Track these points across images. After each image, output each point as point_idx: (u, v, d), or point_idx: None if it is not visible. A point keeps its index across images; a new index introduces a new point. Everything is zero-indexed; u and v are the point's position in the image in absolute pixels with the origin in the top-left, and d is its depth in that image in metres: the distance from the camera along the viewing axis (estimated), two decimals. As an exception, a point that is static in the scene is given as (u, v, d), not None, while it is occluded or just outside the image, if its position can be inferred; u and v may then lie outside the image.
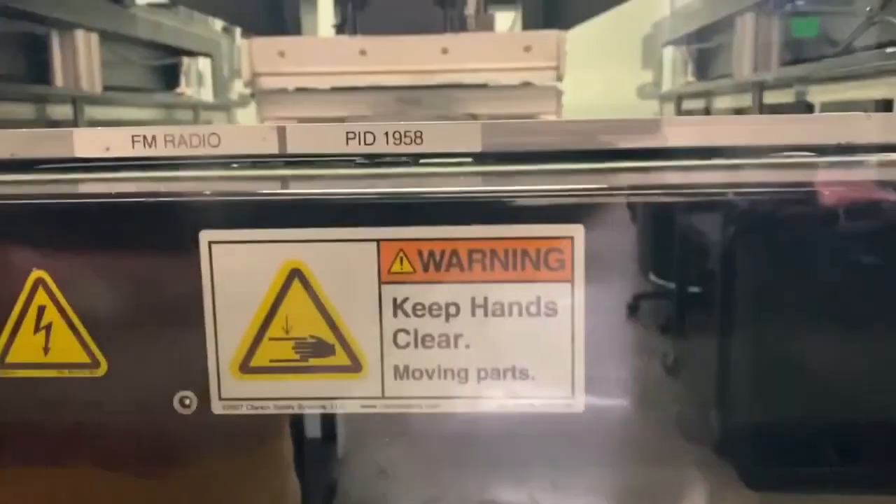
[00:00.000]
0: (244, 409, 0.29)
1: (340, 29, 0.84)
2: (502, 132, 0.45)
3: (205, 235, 0.28)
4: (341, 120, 0.77)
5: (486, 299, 0.29)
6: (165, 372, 0.29)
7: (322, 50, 0.77)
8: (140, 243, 0.29)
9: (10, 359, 0.29)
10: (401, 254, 0.29)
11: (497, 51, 0.76)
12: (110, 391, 0.29)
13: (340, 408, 0.29)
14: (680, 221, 0.29)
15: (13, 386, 0.29)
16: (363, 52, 0.75)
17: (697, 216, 0.29)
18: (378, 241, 0.28)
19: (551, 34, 0.76)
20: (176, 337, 0.29)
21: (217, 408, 0.29)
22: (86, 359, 0.29)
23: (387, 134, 0.45)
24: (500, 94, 0.78)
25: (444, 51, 0.75)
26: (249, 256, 0.29)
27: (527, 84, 0.77)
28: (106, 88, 1.03)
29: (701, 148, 0.43)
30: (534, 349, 0.29)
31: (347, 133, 0.45)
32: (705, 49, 1.41)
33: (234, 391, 0.29)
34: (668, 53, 1.63)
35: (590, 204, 0.28)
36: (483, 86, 0.78)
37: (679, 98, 1.53)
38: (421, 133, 0.45)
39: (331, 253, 0.29)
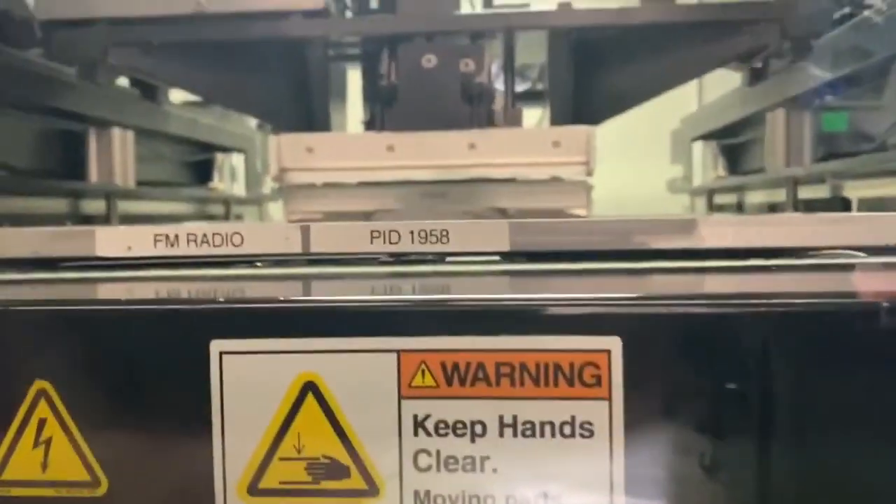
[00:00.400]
0: (251, 536, 0.27)
1: (369, 125, 0.84)
2: (531, 231, 0.44)
3: (216, 345, 0.27)
4: (368, 214, 0.75)
5: (515, 418, 0.26)
6: (168, 493, 0.27)
7: (350, 145, 0.77)
8: (148, 353, 0.27)
9: (5, 475, 0.28)
10: (423, 366, 0.27)
11: (525, 146, 0.76)
12: (109, 513, 0.27)
13: (355, 536, 0.27)
14: (724, 332, 0.27)
15: (7, 506, 0.27)
16: (391, 148, 0.75)
17: (742, 326, 0.27)
18: (398, 351, 0.27)
19: (581, 129, 0.76)
20: (181, 455, 0.27)
21: (222, 533, 0.27)
22: (86, 476, 0.27)
23: (412, 232, 0.44)
24: (529, 188, 0.77)
25: (472, 146, 0.74)
26: (262, 368, 0.27)
27: (556, 179, 0.76)
28: (139, 183, 1.04)
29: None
30: (568, 474, 0.26)
31: (372, 232, 0.44)
32: (736, 144, 1.40)
33: (241, 515, 0.27)
34: (698, 148, 1.62)
35: (628, 314, 0.26)
36: (511, 180, 0.77)
37: (710, 193, 1.51)
38: (447, 231, 0.44)
39: (347, 365, 0.27)
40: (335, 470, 0.27)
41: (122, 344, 0.27)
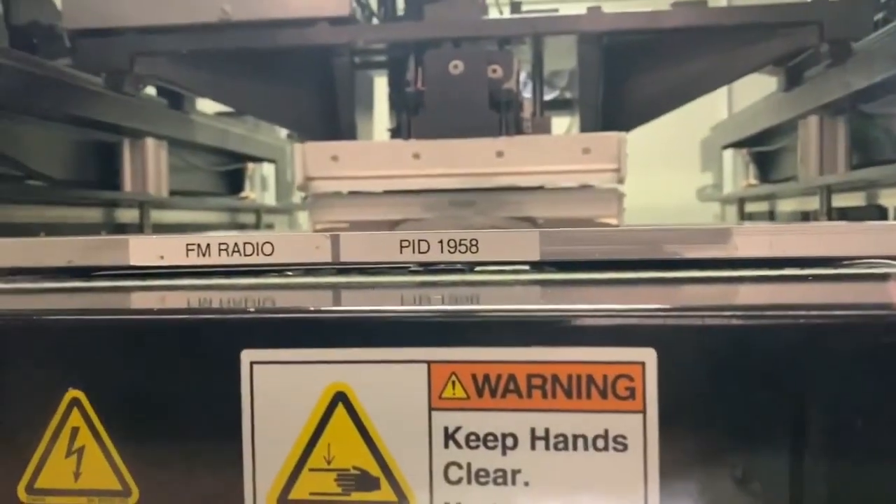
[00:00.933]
0: (281, 547, 0.27)
1: (396, 133, 0.82)
2: (561, 241, 0.43)
3: (247, 355, 0.27)
4: (394, 223, 0.74)
5: (547, 431, 0.26)
6: (199, 503, 0.27)
7: (375, 153, 0.75)
8: (179, 363, 0.27)
9: (39, 483, 0.28)
10: (453, 377, 0.26)
11: (555, 153, 0.73)
12: (140, 523, 0.27)
13: (384, 549, 0.27)
14: (760, 344, 0.26)
15: (40, 514, 0.28)
16: (417, 156, 0.73)
17: (777, 338, 0.26)
18: (428, 362, 0.26)
19: (612, 136, 0.73)
20: (212, 464, 0.27)
21: (252, 544, 0.27)
22: (117, 486, 0.27)
23: (441, 242, 0.44)
24: (558, 197, 0.75)
25: (500, 153, 0.73)
26: (292, 378, 0.27)
27: (586, 187, 0.74)
28: (172, 193, 1.05)
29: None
30: (602, 488, 0.26)
31: (401, 241, 0.44)
32: (768, 151, 1.38)
33: (271, 526, 0.27)
34: (728, 155, 1.61)
35: (663, 325, 0.26)
36: (540, 189, 0.75)
37: (741, 201, 1.50)
38: (476, 241, 0.44)
39: (377, 375, 0.27)
40: (365, 481, 0.27)
41: (154, 353, 0.27)
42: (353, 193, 0.75)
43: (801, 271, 0.40)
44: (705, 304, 0.27)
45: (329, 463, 0.27)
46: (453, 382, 0.26)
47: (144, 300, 0.35)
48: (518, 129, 0.78)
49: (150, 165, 1.01)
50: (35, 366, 0.28)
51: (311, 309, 0.28)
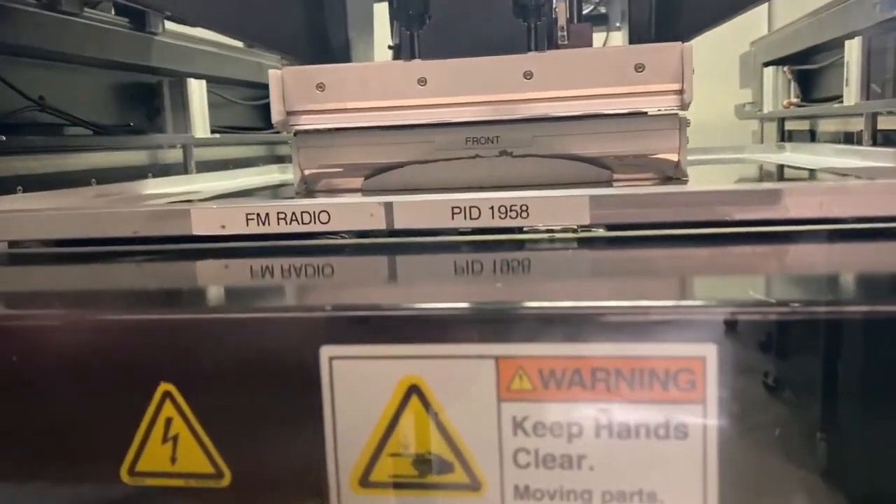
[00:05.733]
0: (364, 523, 0.29)
1: (397, 53, 0.63)
2: (611, 204, 0.44)
3: (325, 351, 0.29)
4: (398, 167, 0.60)
5: (610, 420, 0.28)
6: (287, 485, 0.30)
7: (371, 79, 0.58)
8: (263, 357, 0.29)
9: (139, 467, 0.30)
10: (520, 371, 0.28)
11: (599, 71, 0.57)
12: (234, 502, 0.30)
13: (460, 526, 0.29)
14: (817, 337, 0.27)
15: (143, 494, 0.30)
16: (423, 81, 0.58)
17: (836, 332, 0.27)
18: (496, 357, 0.28)
19: (674, 47, 0.57)
20: (297, 449, 0.29)
21: (337, 521, 0.30)
22: (210, 469, 0.30)
23: (492, 208, 0.45)
24: (604, 128, 0.59)
25: (528, 74, 0.57)
26: (368, 372, 0.29)
27: (639, 114, 0.58)
28: (213, 130, 1.07)
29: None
30: (663, 473, 0.27)
31: (453, 208, 0.45)
32: (810, 70, 1.35)
33: (354, 505, 0.29)
34: (769, 73, 1.56)
35: (723, 321, 0.27)
36: (580, 118, 0.58)
37: (781, 120, 1.47)
38: (527, 206, 0.45)
39: (448, 369, 0.28)
40: (440, 465, 0.29)
41: (240, 350, 0.29)
42: (343, 131, 0.60)
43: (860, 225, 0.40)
44: (763, 301, 0.28)
45: (406, 449, 0.29)
46: (520, 376, 0.28)
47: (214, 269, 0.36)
48: (551, 43, 0.61)
49: (192, 106, 1.02)
50: (130, 362, 0.30)
51: (386, 307, 0.29)
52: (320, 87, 0.59)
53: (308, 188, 0.62)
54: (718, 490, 0.27)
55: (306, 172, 0.62)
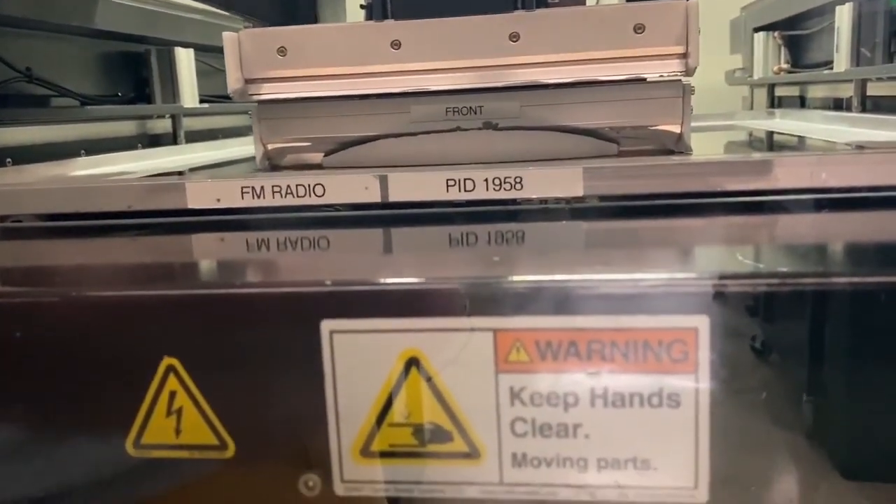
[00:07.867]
0: (365, 492, 0.30)
1: (369, 12, 0.55)
2: (605, 176, 0.45)
3: (326, 325, 0.29)
4: (371, 140, 0.54)
5: (605, 390, 0.28)
6: (290, 456, 0.30)
7: (338, 42, 0.52)
8: (265, 331, 0.30)
9: (145, 440, 0.31)
10: (517, 343, 0.29)
11: (594, 33, 0.51)
12: (238, 473, 0.31)
13: (459, 493, 0.30)
14: (808, 309, 0.28)
15: (148, 465, 0.31)
16: (397, 44, 0.52)
17: (825, 302, 0.28)
18: (494, 330, 0.29)
19: (678, 4, 0.51)
20: (300, 421, 0.30)
21: (339, 490, 0.30)
22: (214, 441, 0.31)
23: (486, 181, 0.45)
24: (599, 96, 0.53)
25: (514, 37, 0.51)
26: (368, 345, 0.29)
27: (638, 80, 0.53)
28: (202, 100, 1.06)
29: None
30: (656, 440, 0.28)
31: (447, 181, 0.45)
32: (800, 35, 1.35)
33: (356, 474, 0.30)
34: (759, 38, 1.56)
35: (715, 293, 0.27)
36: (572, 85, 0.53)
37: (772, 86, 1.47)
38: (521, 179, 0.45)
39: (447, 342, 0.29)
40: (439, 434, 0.29)
41: (242, 324, 0.30)
42: (310, 100, 0.54)
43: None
44: (754, 272, 0.28)
45: (406, 419, 0.29)
46: (518, 348, 0.28)
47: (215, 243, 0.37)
48: (540, 1, 0.54)
49: (179, 75, 1.02)
50: (134, 337, 0.30)
51: (386, 281, 0.30)
52: (282, 51, 0.53)
53: (272, 163, 0.57)
54: (710, 456, 0.28)
55: (269, 147, 0.56)
